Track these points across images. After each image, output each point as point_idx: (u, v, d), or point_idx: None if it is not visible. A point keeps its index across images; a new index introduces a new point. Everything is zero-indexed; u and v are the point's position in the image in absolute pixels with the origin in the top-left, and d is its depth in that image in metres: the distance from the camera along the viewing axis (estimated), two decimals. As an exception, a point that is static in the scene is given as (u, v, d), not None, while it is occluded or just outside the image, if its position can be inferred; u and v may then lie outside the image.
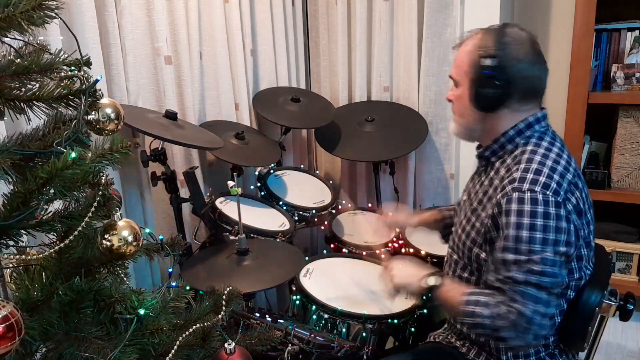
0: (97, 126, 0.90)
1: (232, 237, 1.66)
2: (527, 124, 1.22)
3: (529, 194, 1.10)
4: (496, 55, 1.16)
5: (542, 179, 1.12)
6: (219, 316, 1.15)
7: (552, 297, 1.09)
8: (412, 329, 1.58)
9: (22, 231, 0.84)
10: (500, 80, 1.16)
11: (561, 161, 1.17)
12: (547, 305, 1.08)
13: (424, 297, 1.28)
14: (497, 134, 1.24)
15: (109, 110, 0.90)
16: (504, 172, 1.20)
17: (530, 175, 1.13)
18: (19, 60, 0.83)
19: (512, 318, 1.08)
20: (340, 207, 2.22)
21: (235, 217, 1.66)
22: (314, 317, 1.53)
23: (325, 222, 2.10)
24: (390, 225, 1.74)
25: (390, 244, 2.01)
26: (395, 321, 1.52)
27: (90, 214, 0.88)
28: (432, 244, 1.86)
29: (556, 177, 1.13)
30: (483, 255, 1.22)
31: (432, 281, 1.24)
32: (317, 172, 2.68)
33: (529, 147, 1.19)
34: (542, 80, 1.21)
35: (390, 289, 1.34)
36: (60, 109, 0.90)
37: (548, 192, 1.10)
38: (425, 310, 1.57)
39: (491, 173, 1.27)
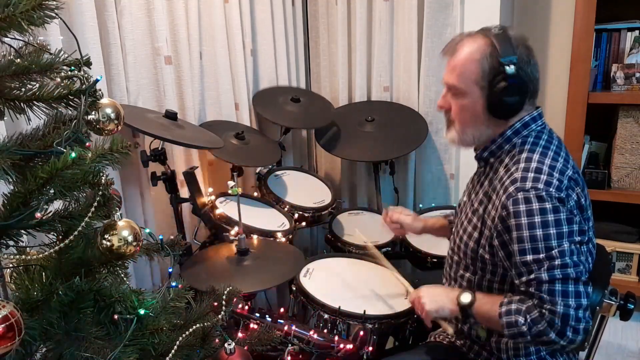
0: (97, 126, 0.90)
1: (232, 237, 1.66)
2: (523, 123, 1.22)
3: (533, 192, 1.11)
4: (515, 62, 1.15)
5: (544, 176, 1.12)
6: (219, 316, 1.15)
7: (580, 286, 1.09)
8: (412, 329, 1.58)
9: (22, 231, 0.84)
10: (520, 86, 1.17)
11: (559, 159, 1.17)
12: (577, 297, 1.08)
13: (461, 318, 1.26)
14: (496, 135, 1.25)
15: (109, 110, 0.90)
16: (503, 172, 1.20)
17: (531, 174, 1.13)
18: (19, 60, 0.83)
19: (547, 320, 1.08)
20: (340, 207, 2.22)
21: (235, 217, 1.66)
22: (314, 317, 1.53)
23: (326, 222, 2.10)
24: (393, 226, 1.67)
25: (389, 245, 2.01)
26: (395, 321, 1.52)
27: (90, 214, 0.88)
28: (432, 244, 1.86)
29: (556, 174, 1.13)
30: (487, 256, 1.22)
31: (465, 299, 1.21)
32: (317, 172, 2.68)
33: (527, 146, 1.20)
34: (539, 79, 1.23)
35: (427, 319, 1.29)
36: (60, 109, 0.90)
37: (551, 189, 1.11)
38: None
39: (490, 173, 1.27)
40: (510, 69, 1.14)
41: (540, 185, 1.11)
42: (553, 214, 1.10)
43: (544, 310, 1.09)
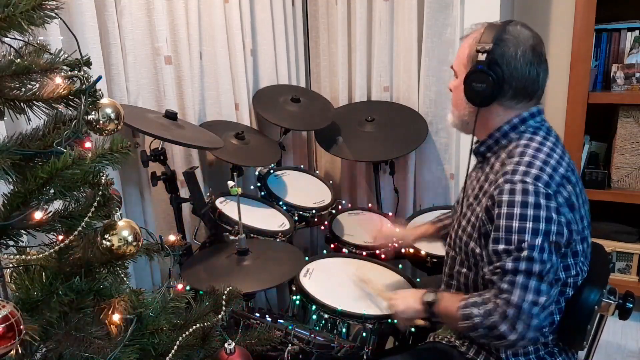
0: (97, 126, 0.90)
1: (232, 237, 1.66)
2: (521, 119, 1.23)
3: (520, 185, 1.11)
4: (490, 52, 1.16)
5: (534, 170, 1.13)
6: (219, 316, 1.15)
7: (544, 284, 1.09)
8: (412, 329, 1.58)
9: (22, 231, 0.84)
10: (492, 77, 1.17)
11: (554, 155, 1.17)
12: (537, 293, 1.08)
13: (427, 317, 1.29)
14: (492, 129, 1.26)
15: (109, 110, 0.90)
16: (499, 167, 1.22)
17: (522, 168, 1.14)
18: (19, 60, 0.83)
19: (500, 310, 1.09)
20: (340, 207, 2.22)
21: (235, 217, 1.66)
22: (314, 317, 1.53)
23: (325, 222, 2.10)
24: (387, 239, 1.76)
25: (390, 244, 2.01)
26: (395, 321, 1.52)
27: (90, 214, 0.88)
28: (432, 244, 1.86)
29: (548, 169, 1.14)
30: (478, 250, 1.23)
31: (428, 297, 1.26)
32: (317, 172, 2.68)
33: (522, 141, 1.20)
34: (537, 82, 1.21)
35: (401, 322, 1.37)
36: (60, 109, 0.90)
37: (539, 184, 1.11)
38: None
39: (487, 168, 1.27)
40: (481, 56, 1.17)
41: (528, 179, 1.11)
42: (534, 209, 1.10)
43: (498, 301, 1.10)
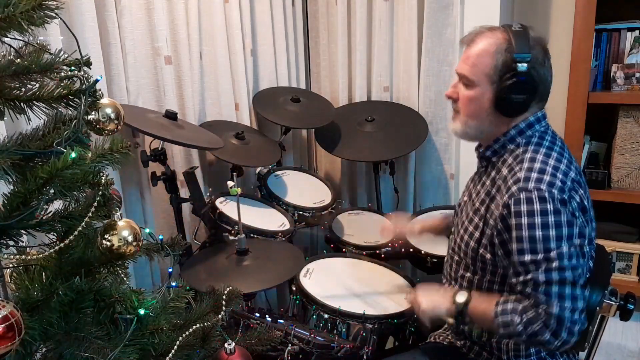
0: (97, 126, 0.90)
1: (232, 237, 1.66)
2: (527, 124, 1.22)
3: (536, 193, 1.10)
4: (528, 61, 1.14)
5: (547, 177, 1.12)
6: (219, 316, 1.15)
7: (577, 289, 1.09)
8: (412, 329, 1.58)
9: (22, 231, 0.84)
10: (530, 86, 1.16)
11: (563, 160, 1.17)
12: (574, 300, 1.09)
13: (456, 317, 1.25)
14: (498, 134, 1.24)
15: (109, 110, 0.90)
16: (507, 172, 1.20)
17: (534, 175, 1.13)
18: (19, 60, 0.83)
19: (542, 320, 1.09)
20: (340, 207, 2.22)
21: (235, 217, 1.66)
22: (314, 317, 1.53)
23: (325, 222, 2.10)
24: (395, 236, 1.76)
25: (390, 244, 2.01)
26: (395, 321, 1.52)
27: (90, 214, 0.88)
28: (432, 244, 1.86)
29: (560, 175, 1.13)
30: (488, 256, 1.22)
31: (460, 298, 1.23)
32: (317, 172, 2.68)
33: (531, 147, 1.19)
34: (550, 85, 1.21)
35: (425, 318, 1.30)
36: (60, 109, 0.90)
37: (554, 190, 1.11)
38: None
39: (492, 172, 1.26)
40: (522, 66, 1.14)
41: (543, 186, 1.11)
42: (554, 215, 1.09)
43: (540, 310, 1.09)
